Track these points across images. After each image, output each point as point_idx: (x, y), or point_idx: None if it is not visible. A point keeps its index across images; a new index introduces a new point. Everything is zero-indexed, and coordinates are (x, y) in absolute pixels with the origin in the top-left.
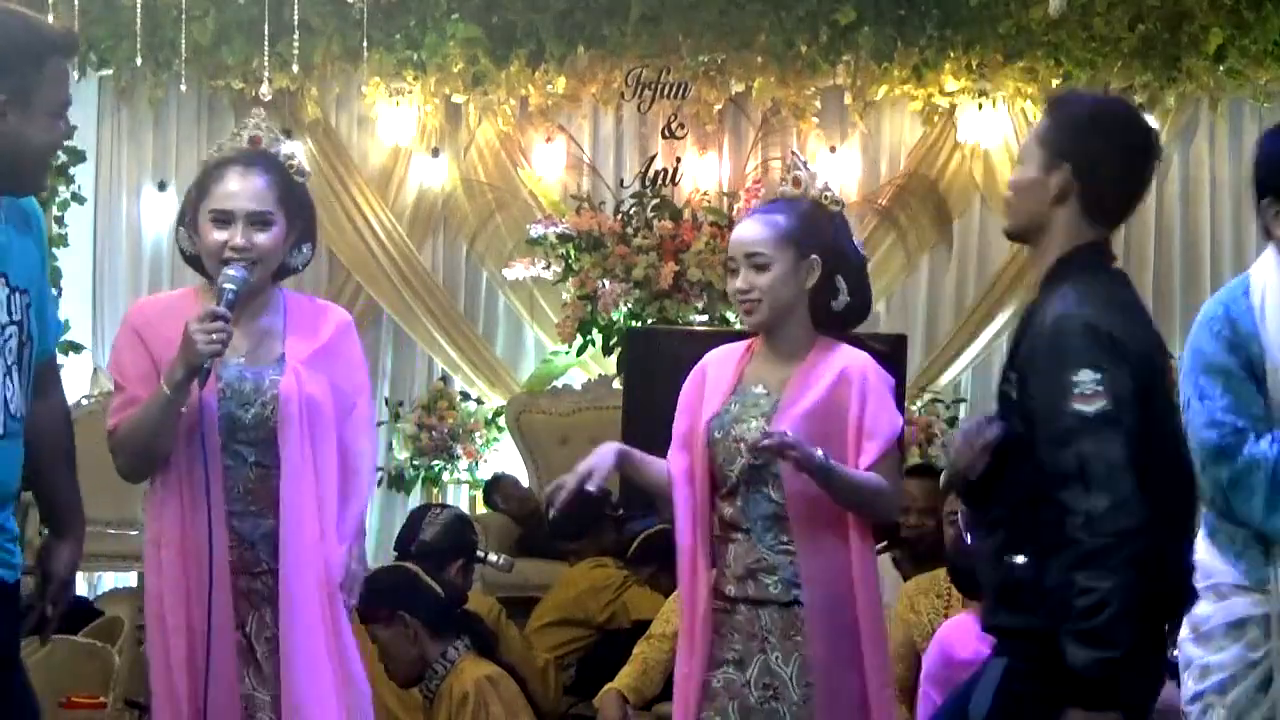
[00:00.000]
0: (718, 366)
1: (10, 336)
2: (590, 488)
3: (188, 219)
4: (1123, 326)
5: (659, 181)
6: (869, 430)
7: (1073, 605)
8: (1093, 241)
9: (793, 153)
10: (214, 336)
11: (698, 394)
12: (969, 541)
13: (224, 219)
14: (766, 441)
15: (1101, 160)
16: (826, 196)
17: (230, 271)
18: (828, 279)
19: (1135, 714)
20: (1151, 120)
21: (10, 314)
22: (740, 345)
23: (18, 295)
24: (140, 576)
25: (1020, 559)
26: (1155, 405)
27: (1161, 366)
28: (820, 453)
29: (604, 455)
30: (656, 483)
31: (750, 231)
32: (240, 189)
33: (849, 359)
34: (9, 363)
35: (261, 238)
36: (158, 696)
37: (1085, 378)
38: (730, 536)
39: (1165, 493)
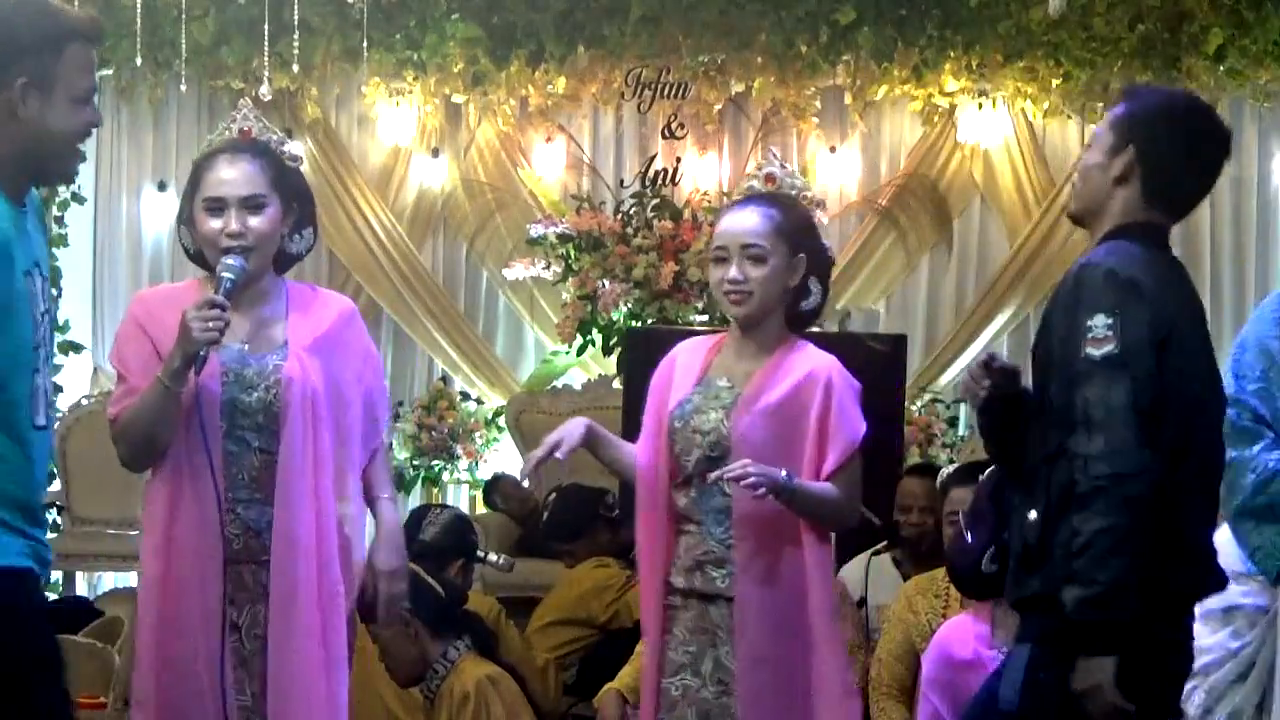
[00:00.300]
0: (688, 355)
1: (47, 325)
2: (559, 455)
3: (186, 215)
4: (1146, 274)
5: (659, 181)
6: (831, 435)
7: (1062, 548)
8: (1149, 222)
9: (770, 150)
10: (210, 324)
11: (666, 384)
12: (969, 540)
13: (217, 206)
14: (729, 474)
15: (1167, 147)
16: (806, 196)
17: (228, 260)
18: (806, 278)
19: (1157, 696)
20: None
21: (45, 302)
22: (711, 338)
23: (46, 284)
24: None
25: (1032, 515)
26: (1183, 357)
27: (1194, 319)
28: (784, 474)
29: (572, 427)
30: (624, 465)
31: (747, 222)
32: (230, 175)
33: (816, 360)
34: (47, 351)
35: (255, 221)
36: (137, 693)
37: (1098, 322)
38: (683, 528)
39: (1189, 453)
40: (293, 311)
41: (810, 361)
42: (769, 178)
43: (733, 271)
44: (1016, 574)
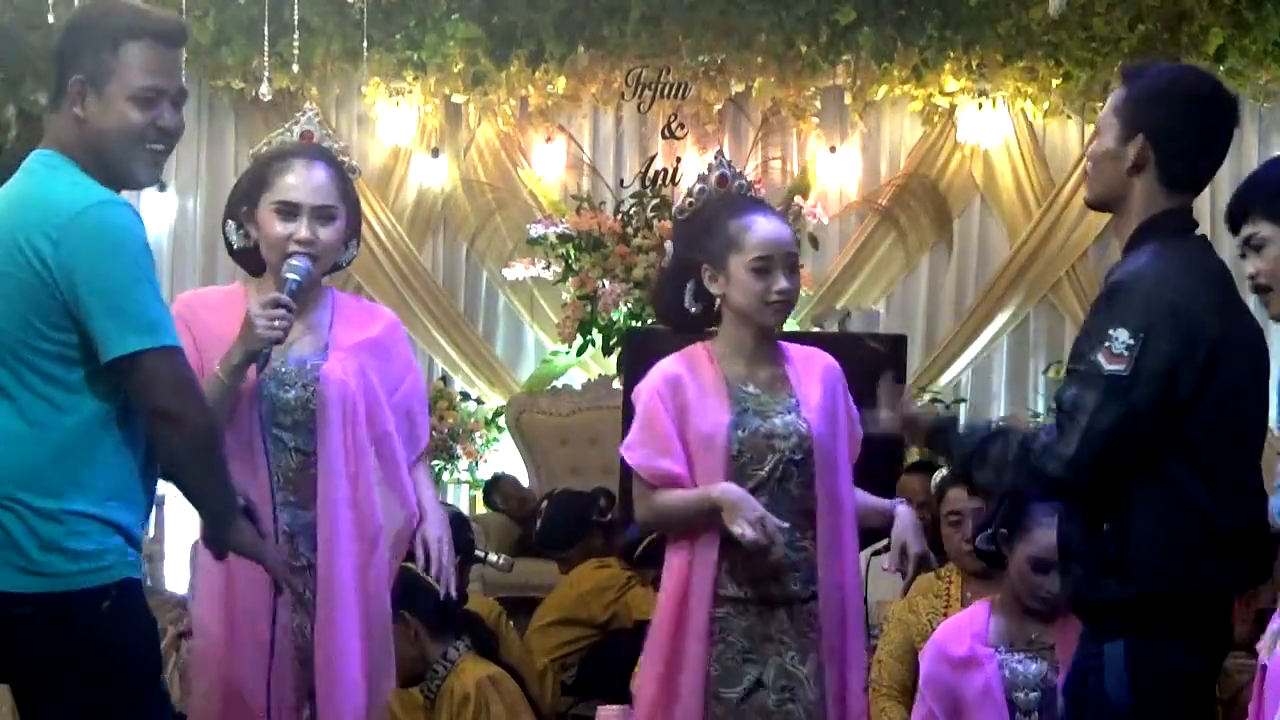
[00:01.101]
0: (693, 373)
1: None
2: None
3: (243, 212)
4: (1192, 295)
5: (659, 181)
6: (851, 429)
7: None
8: (1172, 209)
9: (719, 153)
10: (276, 323)
11: (680, 405)
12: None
13: (290, 211)
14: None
15: (1177, 128)
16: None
17: (295, 262)
18: None
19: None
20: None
21: None
22: (693, 354)
23: None
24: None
25: (1108, 525)
26: (1219, 378)
27: (1238, 341)
28: (901, 506)
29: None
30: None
31: (786, 233)
32: (306, 181)
33: (820, 356)
34: None
35: (325, 232)
36: (193, 711)
37: (1121, 337)
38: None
39: (1232, 450)
40: (338, 317)
41: (815, 356)
42: (721, 180)
43: (784, 282)
44: (1088, 579)
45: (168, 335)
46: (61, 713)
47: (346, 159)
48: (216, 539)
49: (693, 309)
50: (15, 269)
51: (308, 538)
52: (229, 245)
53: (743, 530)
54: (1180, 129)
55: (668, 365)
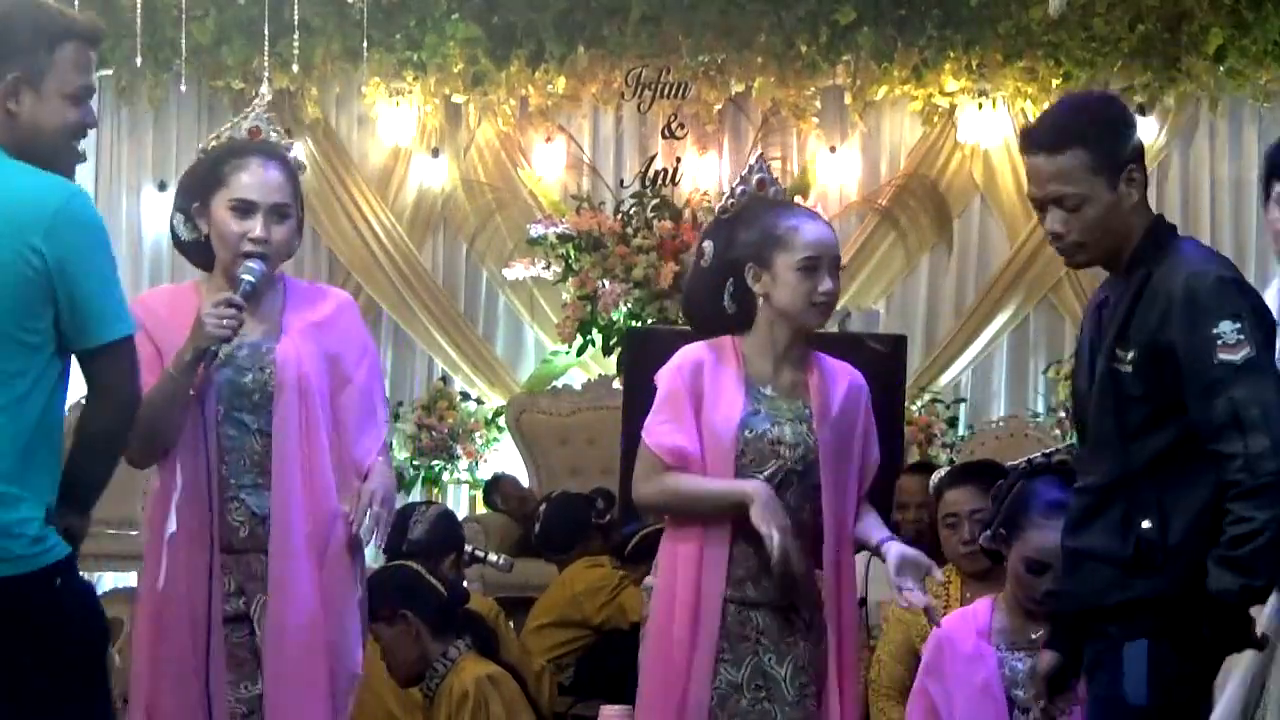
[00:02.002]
0: (714, 363)
1: None
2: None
3: (195, 207)
4: (1236, 272)
5: (659, 181)
6: (868, 450)
7: (1225, 532)
8: (1157, 215)
9: (760, 157)
10: (225, 322)
11: (698, 393)
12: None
13: (246, 209)
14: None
15: (1137, 141)
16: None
17: (250, 264)
18: None
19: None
20: (1152, 121)
21: None
22: (719, 344)
23: None
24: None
25: (1146, 524)
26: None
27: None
28: (887, 540)
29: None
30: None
31: (833, 236)
32: (262, 180)
33: (849, 372)
34: None
35: (279, 230)
36: (132, 693)
37: (1227, 328)
38: (736, 538)
39: None
40: (290, 302)
41: (844, 371)
42: (761, 184)
43: (829, 283)
44: (1125, 581)
45: (131, 322)
46: (25, 694)
47: (293, 156)
48: (73, 518)
49: (730, 309)
50: (4, 260)
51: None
52: (175, 238)
53: (771, 532)
54: (1136, 138)
55: (693, 350)
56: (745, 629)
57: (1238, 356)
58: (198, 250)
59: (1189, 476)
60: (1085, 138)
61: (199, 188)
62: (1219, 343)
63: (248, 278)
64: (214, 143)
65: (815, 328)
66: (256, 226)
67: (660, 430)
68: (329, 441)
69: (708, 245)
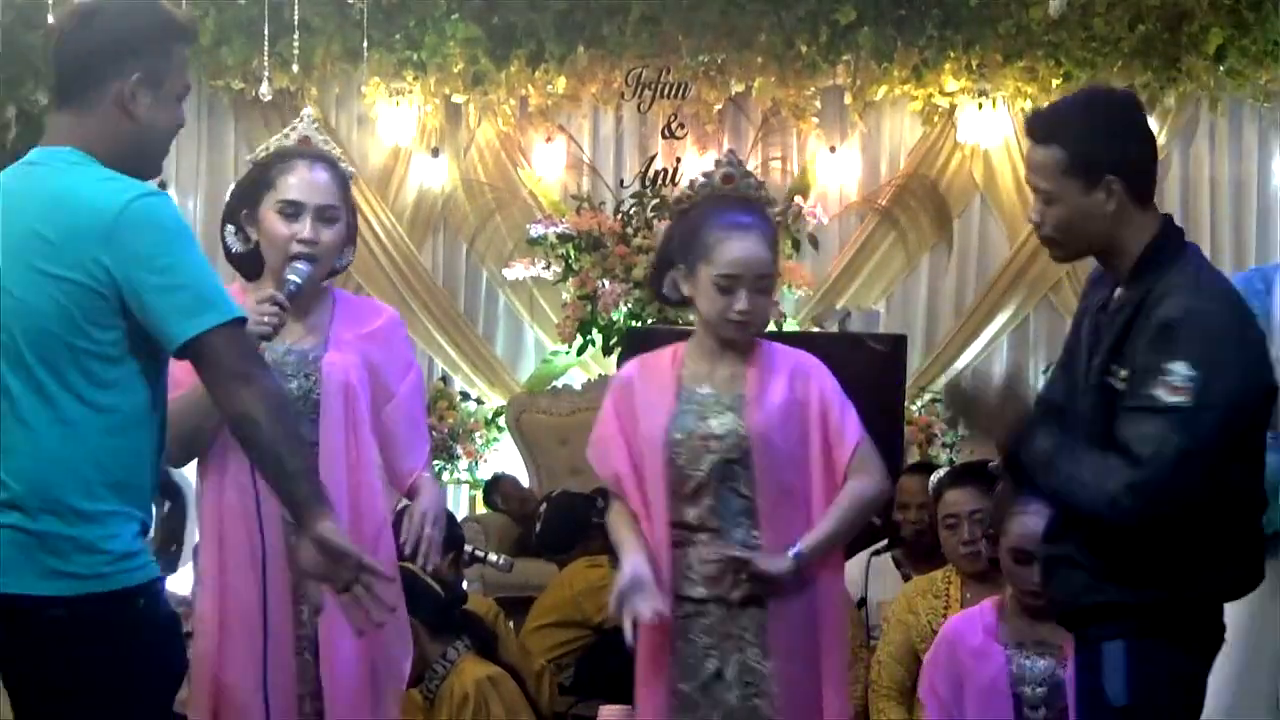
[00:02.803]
0: (647, 374)
1: None
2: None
3: (243, 214)
4: (1234, 316)
5: (659, 181)
6: (839, 423)
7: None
8: (1166, 225)
9: (730, 151)
10: (266, 319)
11: (629, 407)
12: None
13: (293, 211)
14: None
15: (1132, 150)
16: (763, 194)
17: (298, 265)
18: None
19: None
20: (1152, 121)
21: None
22: (661, 354)
23: None
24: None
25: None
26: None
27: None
28: (790, 554)
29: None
30: None
31: (760, 252)
32: (309, 181)
33: (795, 355)
34: None
35: (327, 233)
36: (195, 697)
37: (1180, 370)
38: (694, 539)
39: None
40: (339, 314)
41: (789, 356)
42: (726, 178)
43: (745, 303)
44: (1087, 585)
45: (231, 308)
46: (84, 715)
47: (344, 163)
48: (299, 518)
49: (674, 298)
50: (64, 270)
51: None
52: (227, 250)
53: (626, 623)
54: (1134, 149)
55: (625, 368)
56: (727, 626)
57: (1171, 400)
58: (248, 261)
59: None
60: (1066, 138)
61: (248, 194)
62: (1163, 378)
63: (293, 278)
64: (263, 153)
65: (737, 340)
66: (304, 228)
67: (591, 453)
68: (374, 453)
69: (663, 230)
